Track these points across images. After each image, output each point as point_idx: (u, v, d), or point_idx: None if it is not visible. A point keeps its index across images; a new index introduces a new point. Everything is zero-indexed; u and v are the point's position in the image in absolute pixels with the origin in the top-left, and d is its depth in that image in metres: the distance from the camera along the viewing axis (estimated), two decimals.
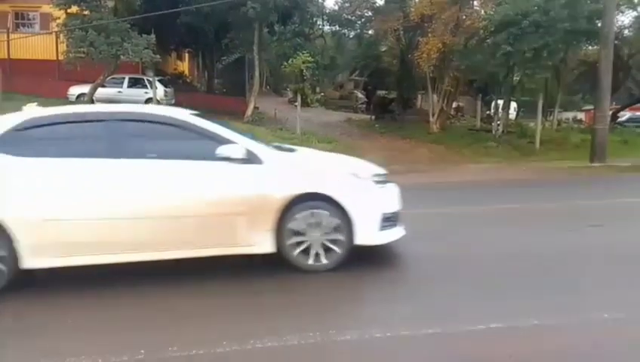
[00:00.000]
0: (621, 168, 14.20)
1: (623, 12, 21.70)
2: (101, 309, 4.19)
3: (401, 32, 21.05)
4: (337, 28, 24.64)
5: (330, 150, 15.18)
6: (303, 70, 17.29)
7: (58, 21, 16.87)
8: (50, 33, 18.98)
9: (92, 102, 17.10)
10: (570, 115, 31.37)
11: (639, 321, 4.03)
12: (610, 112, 19.87)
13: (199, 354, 3.39)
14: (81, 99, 17.40)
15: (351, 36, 25.60)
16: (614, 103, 24.42)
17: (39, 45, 19.33)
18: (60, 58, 17.92)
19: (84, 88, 17.44)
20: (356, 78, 31.63)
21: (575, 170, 13.96)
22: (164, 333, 3.74)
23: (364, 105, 29.17)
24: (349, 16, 22.75)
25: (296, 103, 18.32)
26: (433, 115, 20.03)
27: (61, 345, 3.60)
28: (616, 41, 17.75)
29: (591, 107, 21.21)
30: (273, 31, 19.57)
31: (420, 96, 26.63)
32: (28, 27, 21.35)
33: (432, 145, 17.55)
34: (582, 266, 5.44)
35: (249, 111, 18.90)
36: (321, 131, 19.22)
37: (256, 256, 4.85)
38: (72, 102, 17.49)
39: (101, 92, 17.35)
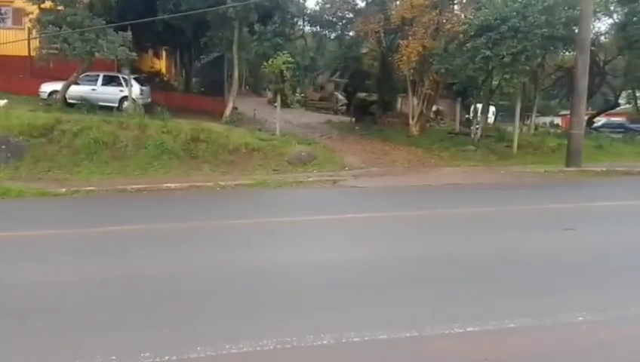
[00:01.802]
0: (596, 173, 14.42)
1: (599, 19, 22.12)
2: None
3: (382, 35, 21.02)
4: (318, 29, 24.45)
5: (310, 152, 15.16)
6: (283, 70, 17.05)
7: (31, 16, 16.38)
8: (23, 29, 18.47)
9: (65, 100, 16.66)
10: (547, 119, 31.84)
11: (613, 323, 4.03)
12: (586, 117, 20.20)
13: None
14: (54, 96, 16.91)
15: (332, 37, 25.49)
16: (590, 109, 24.83)
17: (10, 41, 18.77)
18: (32, 54, 17.41)
19: (57, 85, 16.95)
20: (337, 79, 31.57)
21: (551, 174, 14.12)
22: None
23: (344, 107, 29.14)
24: (330, 18, 22.63)
25: (276, 104, 18.12)
26: (413, 118, 20.07)
27: None
28: (592, 47, 18.04)
29: (567, 112, 21.51)
30: (253, 30, 19.28)
31: (400, 99, 26.66)
32: (0, 22, 20.72)
33: (411, 147, 17.59)
34: (556, 268, 5.45)
35: (227, 112, 18.64)
36: (300, 132, 19.11)
37: None
38: (44, 100, 17.04)
39: (74, 89, 16.87)
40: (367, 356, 3.49)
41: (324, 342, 3.60)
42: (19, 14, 19.21)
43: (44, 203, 10.25)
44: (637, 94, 27.07)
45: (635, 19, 20.87)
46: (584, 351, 3.65)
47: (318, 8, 22.93)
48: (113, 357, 3.37)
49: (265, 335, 3.63)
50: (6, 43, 17.94)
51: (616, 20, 22.74)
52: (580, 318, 4.01)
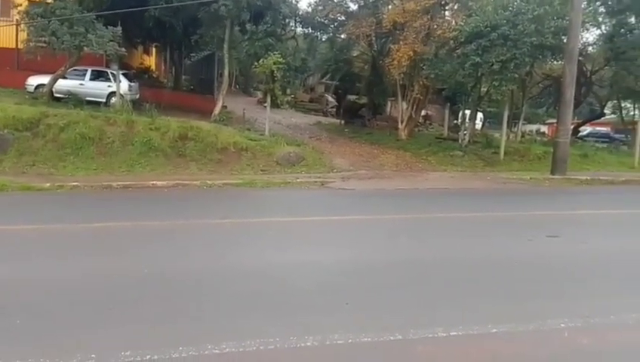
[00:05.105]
0: (580, 181, 14.59)
1: (587, 29, 22.35)
2: None
3: (374, 38, 21.06)
4: (310, 30, 24.40)
5: (299, 153, 15.13)
6: (273, 71, 16.97)
7: (19, 8, 16.16)
8: (12, 23, 18.19)
9: (51, 93, 16.44)
10: (534, 127, 32.17)
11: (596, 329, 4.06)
12: (572, 126, 20.43)
13: None
14: (40, 90, 16.68)
15: (323, 39, 25.47)
16: (576, 118, 25.12)
17: None
18: (19, 47, 17.16)
19: (44, 79, 16.70)
20: (327, 81, 31.59)
21: (536, 181, 14.25)
22: None
23: (334, 109, 29.15)
24: (322, 20, 22.59)
25: (266, 104, 18.07)
26: (402, 122, 20.13)
27: None
28: (580, 57, 18.25)
29: (554, 120, 21.73)
30: (244, 29, 19.20)
31: (389, 103, 26.77)
32: None
33: (400, 151, 17.63)
34: (540, 274, 5.49)
35: (217, 110, 18.52)
36: (290, 133, 19.07)
37: None
38: (30, 93, 16.79)
39: (61, 84, 16.63)
40: (350, 358, 3.48)
41: (308, 343, 3.58)
42: (7, 6, 18.95)
43: (28, 197, 10.10)
44: (622, 105, 27.46)
45: (622, 30, 21.22)
46: (566, 357, 3.67)
47: (310, 10, 22.88)
48: (93, 356, 3.32)
49: (248, 336, 3.60)
50: None
51: (604, 31, 23.05)
52: (562, 324, 4.05)
